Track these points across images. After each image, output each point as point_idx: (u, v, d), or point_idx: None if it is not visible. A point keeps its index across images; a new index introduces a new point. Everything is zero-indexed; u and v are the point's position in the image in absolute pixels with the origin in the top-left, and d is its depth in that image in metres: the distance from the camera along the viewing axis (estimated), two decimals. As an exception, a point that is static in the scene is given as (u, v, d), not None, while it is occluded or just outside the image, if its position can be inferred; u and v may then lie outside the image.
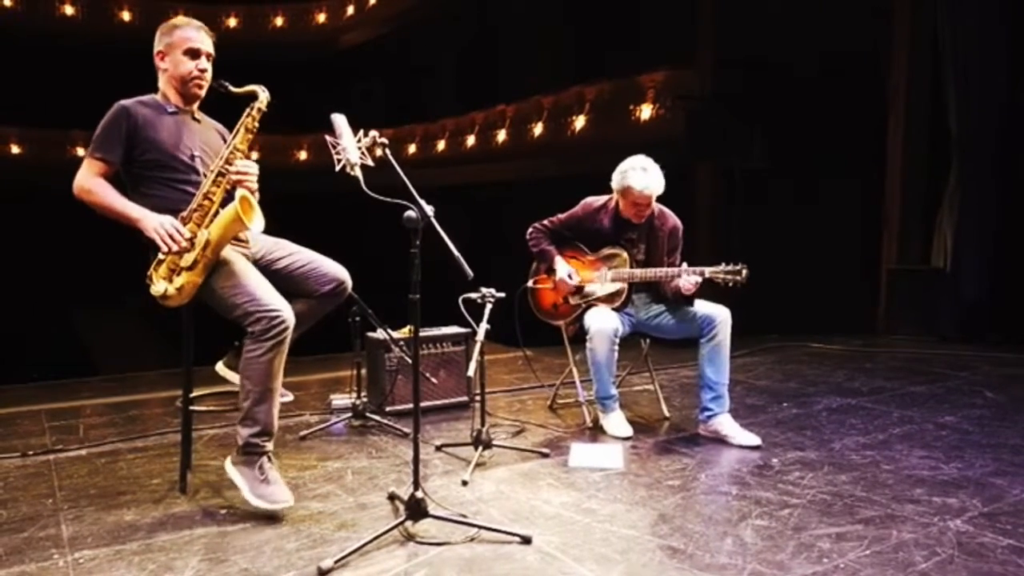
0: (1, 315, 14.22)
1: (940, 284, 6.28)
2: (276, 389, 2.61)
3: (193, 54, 2.73)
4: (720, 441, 3.35)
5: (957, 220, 6.22)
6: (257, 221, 2.62)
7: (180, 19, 2.79)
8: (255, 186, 2.73)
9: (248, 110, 2.72)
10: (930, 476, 2.90)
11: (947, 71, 6.22)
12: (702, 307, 3.44)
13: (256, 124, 2.73)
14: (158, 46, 2.76)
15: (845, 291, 6.71)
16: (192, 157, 2.74)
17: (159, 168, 2.69)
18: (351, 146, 2.50)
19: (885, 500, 2.66)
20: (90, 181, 2.62)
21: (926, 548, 2.28)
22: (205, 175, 2.70)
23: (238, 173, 2.66)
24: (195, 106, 2.84)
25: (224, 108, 2.89)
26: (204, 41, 2.76)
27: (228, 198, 2.63)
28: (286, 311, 2.57)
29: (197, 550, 2.31)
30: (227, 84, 2.73)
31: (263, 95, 2.73)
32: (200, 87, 2.77)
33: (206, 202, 2.62)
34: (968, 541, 2.32)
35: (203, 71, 2.75)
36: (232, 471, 2.62)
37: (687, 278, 3.30)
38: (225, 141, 2.87)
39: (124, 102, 2.71)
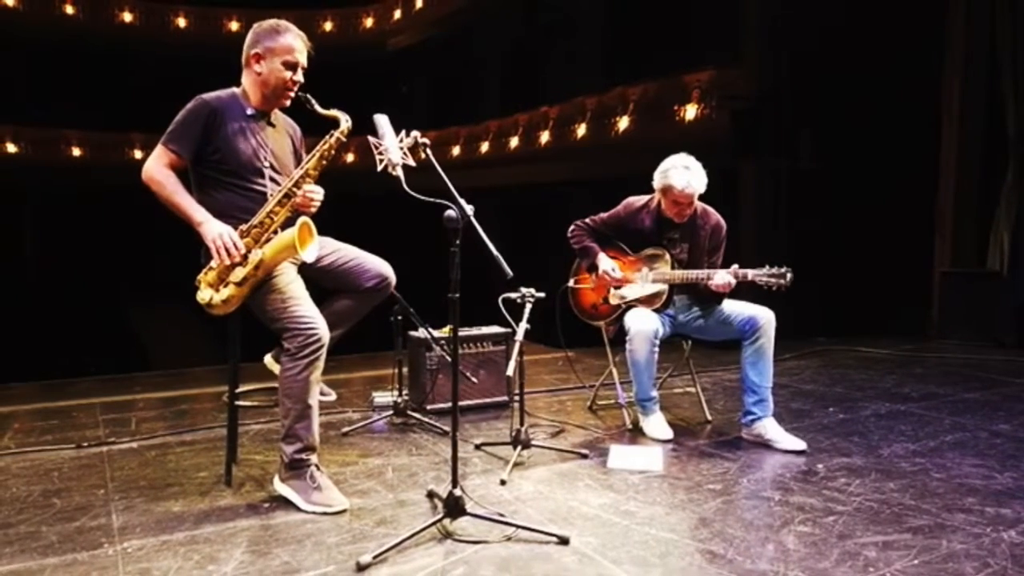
0: (61, 312, 14.75)
1: (996, 287, 6.08)
2: (315, 404, 2.64)
3: (292, 66, 2.69)
4: (763, 445, 3.29)
5: (1015, 220, 6.01)
6: (311, 250, 2.62)
7: (280, 23, 2.71)
8: (317, 207, 2.74)
9: (327, 137, 2.69)
10: (983, 485, 2.81)
11: (1003, 69, 6.02)
12: (745, 309, 3.39)
13: (333, 152, 2.70)
14: (255, 48, 2.69)
15: (895, 294, 6.54)
16: (261, 165, 2.73)
17: (226, 172, 2.69)
18: (393, 146, 2.53)
19: (935, 509, 2.58)
20: (160, 172, 2.61)
21: (978, 559, 2.20)
22: (272, 183, 2.72)
23: (304, 196, 2.67)
24: (274, 109, 2.82)
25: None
26: (303, 53, 2.71)
27: (289, 220, 2.64)
28: (322, 329, 2.60)
29: (240, 542, 2.36)
30: (313, 101, 2.71)
31: (344, 124, 2.71)
32: (288, 98, 2.74)
33: (267, 220, 2.64)
34: (1022, 553, 2.24)
35: (296, 83, 2.71)
36: (282, 488, 2.66)
37: (724, 275, 3.25)
38: (295, 144, 2.91)
39: (205, 97, 2.68)
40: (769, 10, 7.33)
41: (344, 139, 2.72)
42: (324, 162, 2.71)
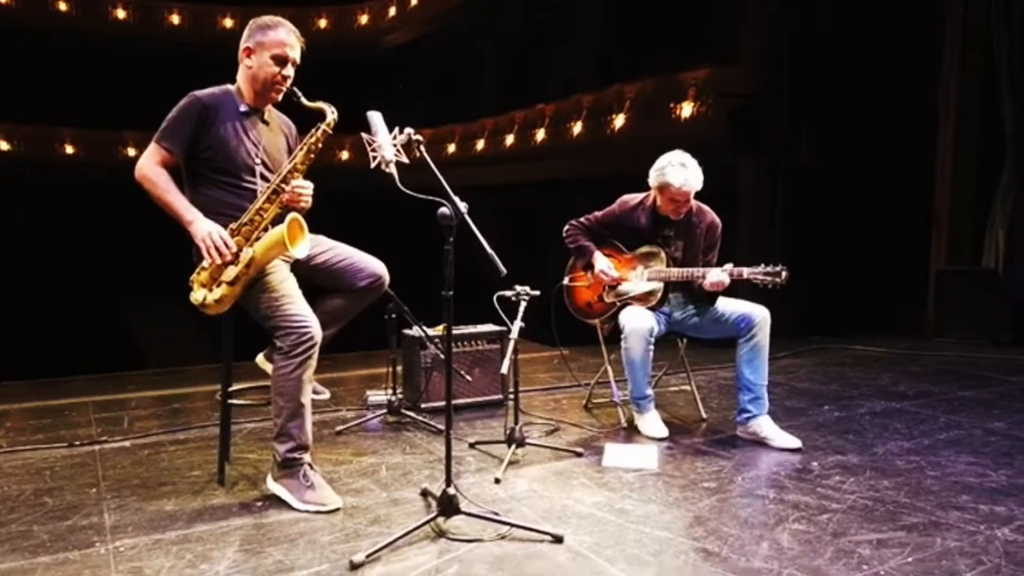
0: (54, 310, 14.69)
1: (991, 285, 6.09)
2: (307, 403, 2.63)
3: (281, 61, 2.68)
4: (758, 443, 3.29)
5: (1010, 218, 6.03)
6: (302, 246, 2.60)
7: (274, 19, 2.71)
8: (308, 203, 2.72)
9: (313, 131, 2.68)
10: (977, 483, 2.81)
11: (1001, 69, 6.03)
12: (740, 307, 3.38)
13: (320, 145, 2.69)
14: (247, 42, 2.70)
15: (891, 292, 6.54)
16: (253, 163, 2.72)
17: (219, 170, 2.68)
18: (386, 143, 2.51)
19: (929, 507, 2.58)
20: (153, 170, 2.60)
21: (971, 557, 2.20)
22: (263, 180, 2.70)
23: (292, 192, 2.65)
24: (268, 106, 2.81)
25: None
26: (295, 48, 2.70)
27: (280, 217, 2.63)
28: (315, 327, 2.59)
29: (233, 541, 2.35)
30: (300, 94, 2.70)
31: (331, 115, 2.69)
32: (279, 93, 2.73)
33: (257, 218, 2.62)
34: (1016, 551, 2.24)
35: (286, 78, 2.70)
36: (275, 487, 2.65)
37: (717, 273, 3.24)
38: (289, 142, 2.88)
39: (198, 94, 2.67)
40: (767, 9, 7.33)
41: (331, 131, 2.70)
42: (312, 156, 2.70)
